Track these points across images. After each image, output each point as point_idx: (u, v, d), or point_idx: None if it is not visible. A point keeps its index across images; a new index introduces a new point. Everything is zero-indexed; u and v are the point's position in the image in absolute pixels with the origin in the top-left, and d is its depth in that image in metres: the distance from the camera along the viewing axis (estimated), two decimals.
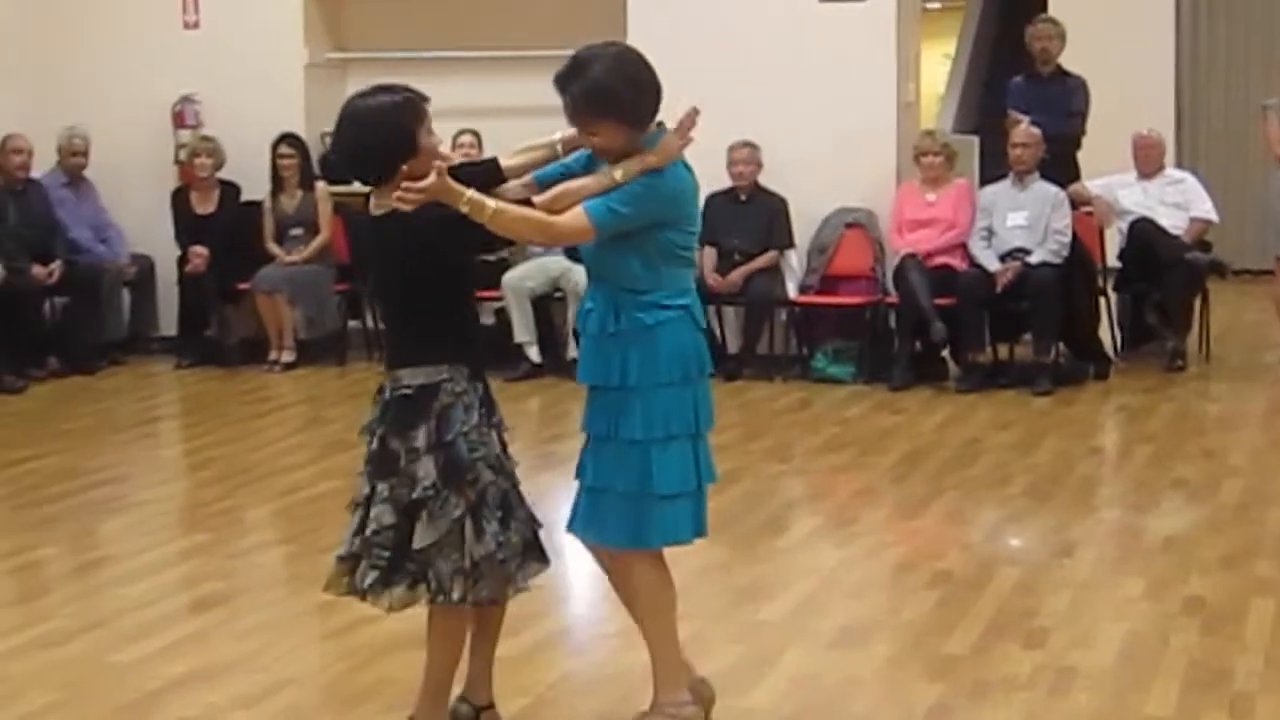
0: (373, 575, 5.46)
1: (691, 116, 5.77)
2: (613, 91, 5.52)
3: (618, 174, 5.52)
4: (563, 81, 5.58)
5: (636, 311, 5.59)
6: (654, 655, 5.76)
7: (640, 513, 5.64)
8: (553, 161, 5.79)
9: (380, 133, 5.52)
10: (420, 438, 5.45)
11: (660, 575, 5.76)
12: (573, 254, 5.75)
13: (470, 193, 5.31)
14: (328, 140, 14.11)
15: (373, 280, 5.73)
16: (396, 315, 5.71)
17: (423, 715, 5.64)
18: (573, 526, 5.80)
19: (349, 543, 5.54)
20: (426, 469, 5.42)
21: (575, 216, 5.46)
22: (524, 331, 12.66)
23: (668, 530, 5.74)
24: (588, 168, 5.68)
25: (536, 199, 5.55)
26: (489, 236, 5.44)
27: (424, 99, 5.63)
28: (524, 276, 12.75)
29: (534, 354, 12.67)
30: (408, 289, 5.54)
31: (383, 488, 5.46)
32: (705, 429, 5.86)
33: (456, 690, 5.74)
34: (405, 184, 5.27)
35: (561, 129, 5.84)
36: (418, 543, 5.40)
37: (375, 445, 5.55)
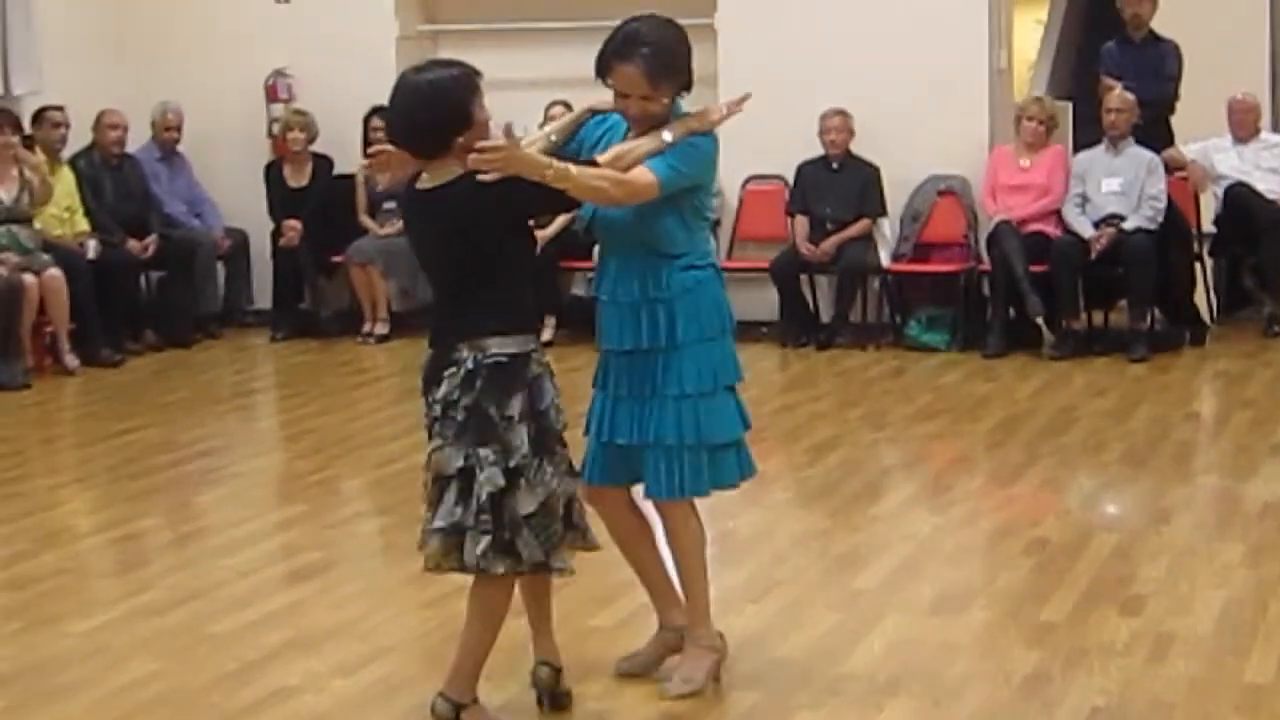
0: (484, 542, 5.46)
1: (744, 99, 6.06)
2: (679, 56, 5.80)
3: (668, 136, 5.72)
4: (626, 49, 5.75)
5: (678, 273, 5.83)
6: (689, 593, 5.99)
7: (691, 463, 5.85)
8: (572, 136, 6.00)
9: (438, 106, 5.51)
10: (516, 406, 5.46)
11: (696, 519, 5.98)
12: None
13: (554, 160, 5.43)
14: None
15: (426, 252, 5.71)
16: (478, 288, 5.63)
17: (455, 692, 5.66)
18: (594, 479, 5.96)
19: (448, 515, 5.52)
20: (521, 437, 5.45)
21: (643, 174, 5.65)
22: None
23: (719, 477, 5.98)
24: (597, 144, 5.88)
25: (600, 158, 5.69)
26: (564, 201, 5.59)
27: (478, 74, 5.62)
28: None
29: None
30: (486, 260, 5.56)
31: (485, 453, 5.45)
32: (740, 379, 6.07)
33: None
34: (484, 152, 5.33)
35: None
36: (523, 509, 5.43)
37: (464, 415, 5.52)
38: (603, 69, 5.86)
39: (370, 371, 12.49)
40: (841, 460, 9.28)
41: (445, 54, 14.35)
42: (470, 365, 5.51)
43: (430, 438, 5.58)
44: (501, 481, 5.44)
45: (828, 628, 6.60)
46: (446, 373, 5.54)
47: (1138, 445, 9.66)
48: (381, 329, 13.48)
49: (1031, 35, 18.93)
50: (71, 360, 12.23)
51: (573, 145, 5.93)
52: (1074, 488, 9.02)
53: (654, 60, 5.73)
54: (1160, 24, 13.26)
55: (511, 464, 5.45)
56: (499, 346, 5.50)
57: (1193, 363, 12.06)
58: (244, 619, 6.90)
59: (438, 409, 5.56)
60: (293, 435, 10.78)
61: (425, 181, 5.59)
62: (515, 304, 5.61)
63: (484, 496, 5.45)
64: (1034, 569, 7.41)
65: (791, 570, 6.74)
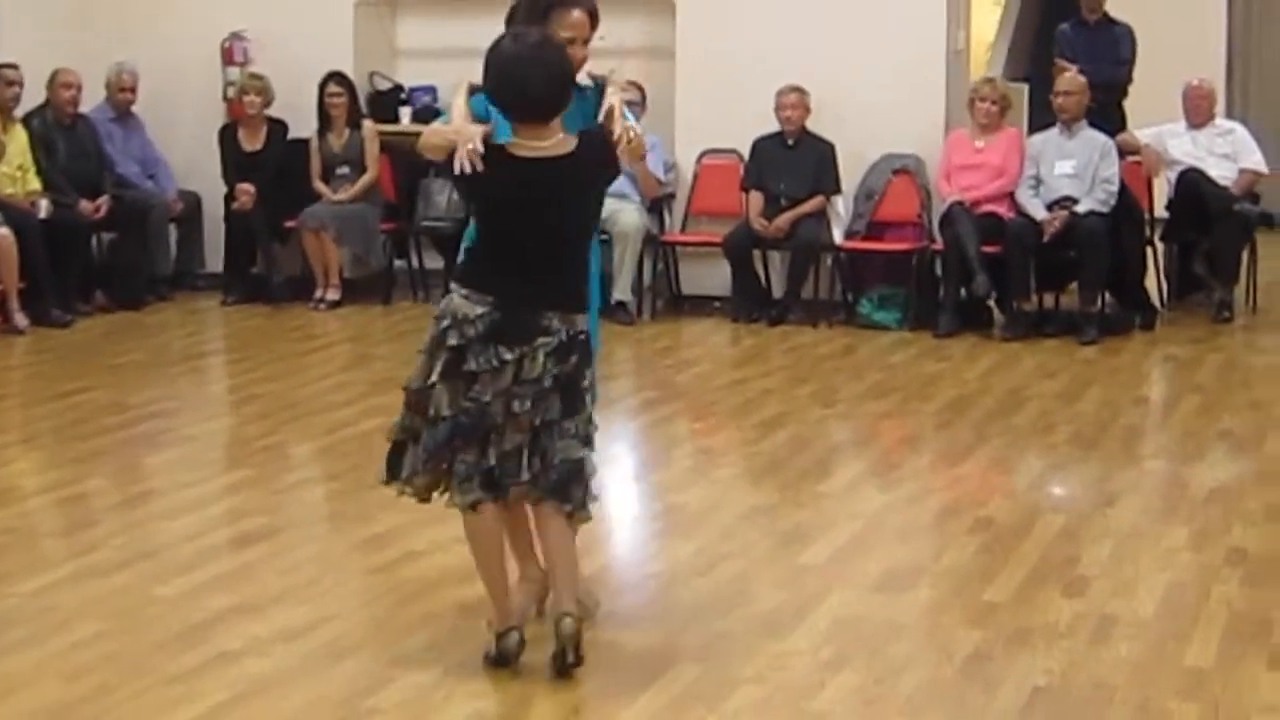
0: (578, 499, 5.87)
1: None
2: None
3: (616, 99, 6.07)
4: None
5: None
6: None
7: None
8: None
9: (562, 75, 5.76)
10: (590, 377, 5.84)
11: None
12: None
13: None
14: (376, 80, 14.16)
15: (533, 217, 5.79)
16: (569, 259, 5.86)
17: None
18: None
19: (526, 469, 5.79)
20: (590, 406, 5.86)
21: None
22: None
23: None
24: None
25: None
26: None
27: None
28: None
29: None
30: (582, 233, 5.88)
31: (569, 425, 5.77)
32: None
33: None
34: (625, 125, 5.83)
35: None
36: (591, 472, 5.87)
37: (551, 382, 5.75)
38: (545, 14, 6.03)
39: (321, 338, 12.48)
40: (790, 436, 9.31)
41: (404, 21, 14.47)
42: (564, 337, 5.73)
43: (481, 389, 5.73)
44: (579, 454, 5.77)
45: (773, 603, 6.62)
46: (540, 341, 5.72)
47: (1086, 428, 9.70)
48: (333, 295, 13.47)
49: (990, 16, 18.94)
50: (21, 320, 12.20)
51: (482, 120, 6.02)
52: (1022, 469, 9.06)
53: (593, 5, 6.08)
54: (1116, 7, 13.31)
55: (587, 433, 5.82)
56: (584, 323, 5.80)
57: (1143, 347, 12.11)
58: (190, 581, 6.89)
59: (511, 370, 5.72)
60: (242, 400, 10.77)
61: (533, 150, 5.73)
62: (585, 280, 5.91)
63: (557, 460, 5.76)
64: (979, 549, 7.44)
65: (738, 545, 6.77)
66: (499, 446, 5.80)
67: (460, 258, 6.17)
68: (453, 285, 5.89)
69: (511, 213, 5.81)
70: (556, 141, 5.76)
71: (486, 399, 5.75)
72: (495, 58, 5.79)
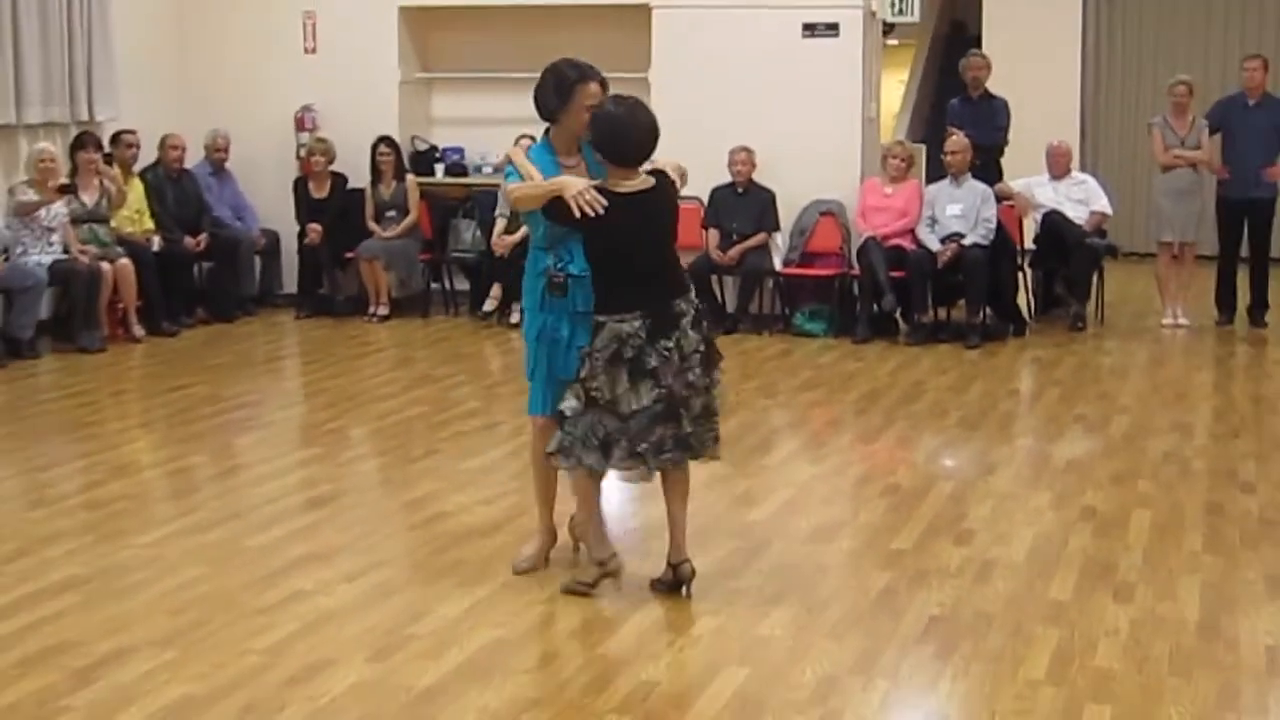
0: (712, 438, 6.07)
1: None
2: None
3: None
4: (593, 71, 6.12)
5: None
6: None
7: None
8: None
9: (655, 130, 5.96)
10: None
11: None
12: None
13: None
14: (416, 142, 14.14)
15: (651, 237, 5.97)
16: (669, 259, 6.08)
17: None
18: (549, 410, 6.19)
19: (692, 423, 5.95)
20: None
21: None
22: None
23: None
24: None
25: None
26: None
27: None
28: None
29: None
30: (671, 240, 6.10)
31: (717, 374, 6.06)
32: None
33: None
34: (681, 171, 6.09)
35: None
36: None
37: (705, 347, 5.99)
38: (571, 89, 6.03)
39: (374, 344, 12.43)
40: (740, 421, 9.29)
41: (438, 96, 14.45)
42: (693, 311, 5.94)
43: (665, 376, 5.82)
44: (717, 402, 6.07)
45: (727, 551, 6.63)
46: (684, 321, 5.90)
47: (971, 414, 9.69)
48: (383, 311, 13.42)
49: (896, 91, 19.01)
50: (138, 331, 12.15)
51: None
52: (921, 445, 9.05)
53: (603, 77, 6.11)
54: (995, 85, 13.30)
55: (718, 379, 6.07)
56: (694, 296, 6.05)
57: (1015, 351, 12.10)
58: (271, 536, 6.90)
59: (679, 354, 5.86)
60: (312, 393, 10.74)
61: (629, 187, 5.89)
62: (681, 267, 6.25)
63: (715, 405, 6.05)
64: (888, 508, 7.45)
65: (700, 505, 6.76)
66: (690, 413, 5.93)
67: (595, 289, 5.98)
68: (599, 318, 5.86)
69: (626, 237, 5.83)
70: (642, 179, 5.92)
71: (669, 382, 5.83)
72: (607, 119, 5.89)
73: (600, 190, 5.79)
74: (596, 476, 6.03)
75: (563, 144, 6.13)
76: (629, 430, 5.84)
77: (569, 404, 5.89)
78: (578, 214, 5.74)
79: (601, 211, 5.73)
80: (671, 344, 5.84)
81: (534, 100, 6.16)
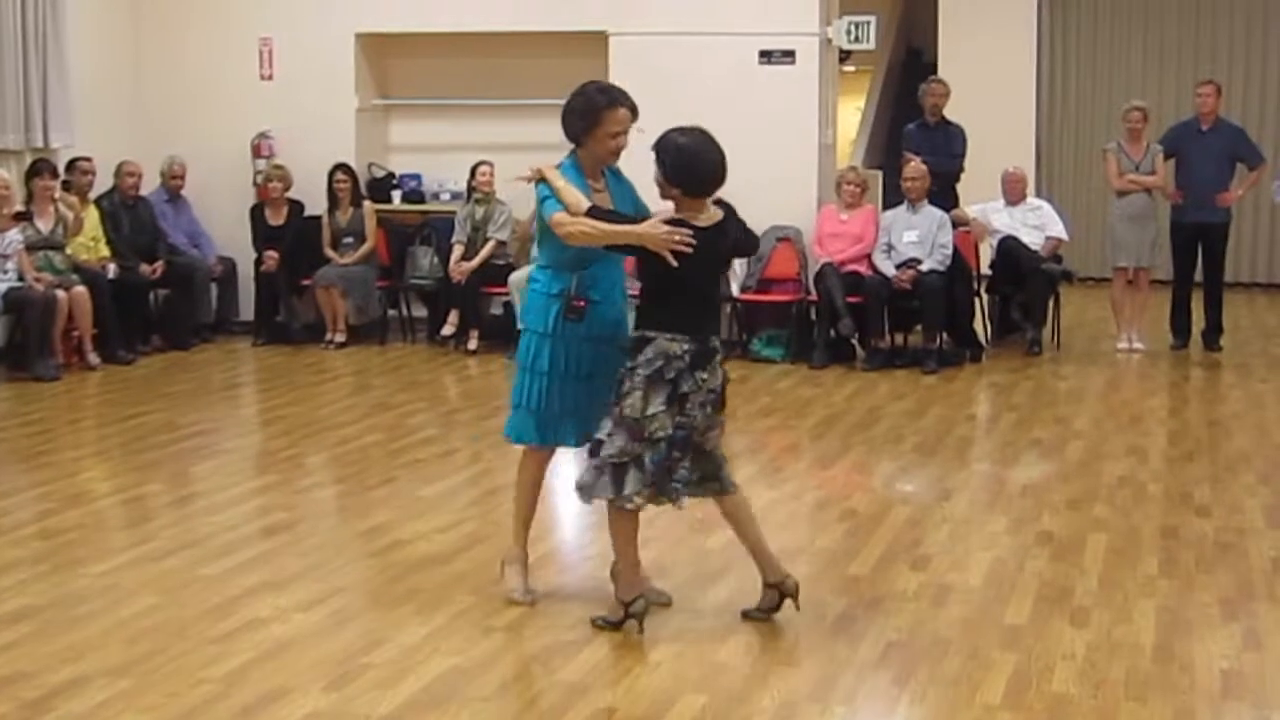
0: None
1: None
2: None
3: None
4: (623, 96, 6.13)
5: None
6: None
7: None
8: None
9: (725, 161, 5.98)
10: None
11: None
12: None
13: None
14: (373, 169, 14.12)
15: (712, 269, 6.06)
16: (715, 297, 6.21)
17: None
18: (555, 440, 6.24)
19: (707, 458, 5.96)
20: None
21: None
22: None
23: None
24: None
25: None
26: None
27: None
28: (525, 276, 12.74)
29: None
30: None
31: (722, 419, 6.00)
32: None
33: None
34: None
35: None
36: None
37: (722, 389, 5.94)
38: (599, 114, 5.99)
39: (331, 371, 12.40)
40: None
41: (395, 123, 14.43)
42: (721, 352, 5.94)
43: (691, 406, 5.81)
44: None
45: (684, 578, 6.62)
46: (717, 358, 5.91)
47: (928, 439, 9.72)
48: (340, 338, 13.40)
49: (852, 118, 19.09)
50: (94, 358, 12.10)
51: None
52: (878, 470, 9.07)
53: (633, 103, 6.10)
54: (952, 112, 13.37)
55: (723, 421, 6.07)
56: None
57: (972, 375, 12.14)
58: (227, 564, 6.86)
59: (706, 387, 5.84)
60: (268, 420, 10.70)
61: (705, 220, 5.87)
62: None
63: (718, 450, 6.02)
64: (845, 533, 7.45)
65: (657, 532, 6.76)
66: (703, 448, 5.91)
67: (641, 304, 5.96)
68: (650, 332, 5.81)
69: (697, 270, 5.80)
70: (711, 213, 5.91)
71: (694, 413, 5.81)
72: (682, 151, 5.88)
73: (681, 223, 5.77)
74: (636, 513, 5.93)
75: (589, 167, 6.08)
76: (647, 455, 5.79)
77: (604, 428, 5.86)
78: (673, 262, 5.70)
79: (691, 251, 5.72)
80: (706, 376, 5.84)
81: (561, 122, 6.09)
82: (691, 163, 5.87)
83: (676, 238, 5.70)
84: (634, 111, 6.07)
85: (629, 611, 5.94)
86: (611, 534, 5.97)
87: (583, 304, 6.00)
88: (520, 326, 6.26)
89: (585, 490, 5.93)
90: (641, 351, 5.79)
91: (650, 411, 5.75)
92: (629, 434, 5.78)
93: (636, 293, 5.95)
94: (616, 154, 6.10)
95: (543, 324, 6.05)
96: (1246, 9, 17.56)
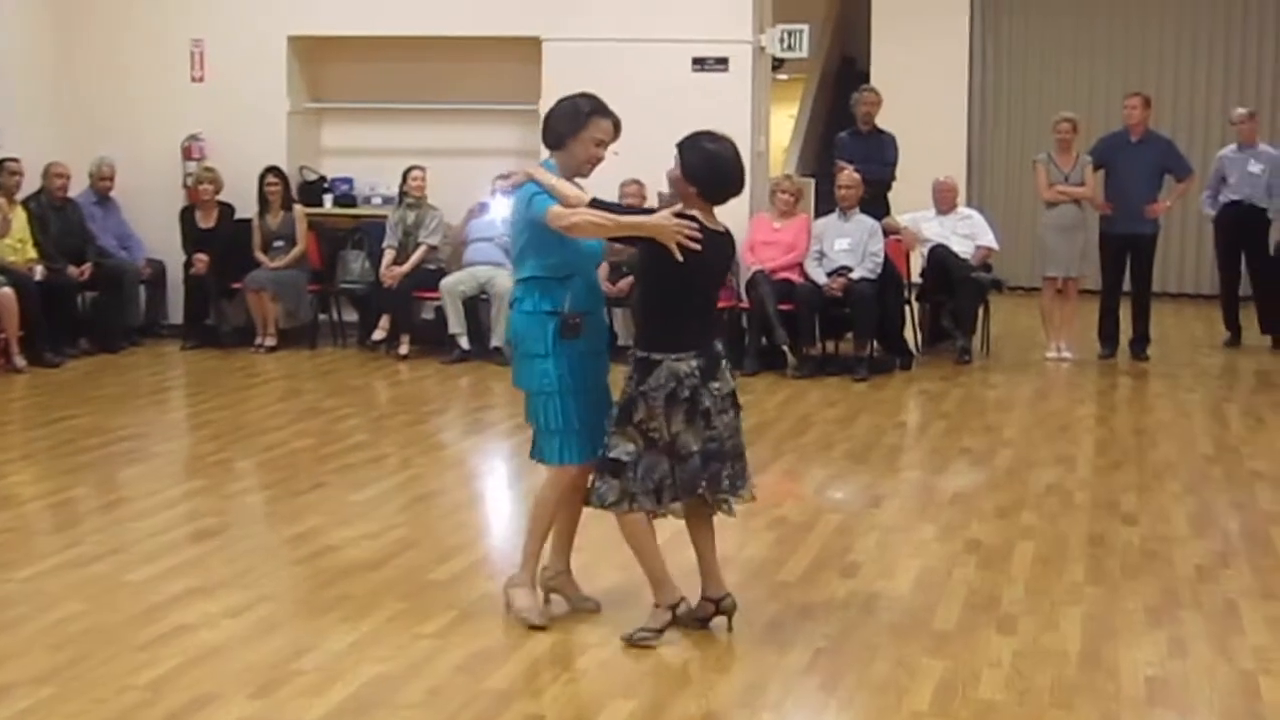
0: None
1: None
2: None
3: None
4: (607, 108, 6.12)
5: None
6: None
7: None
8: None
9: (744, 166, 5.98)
10: None
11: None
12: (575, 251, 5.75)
13: None
14: (304, 172, 14.07)
15: (718, 276, 5.99)
16: (715, 305, 6.16)
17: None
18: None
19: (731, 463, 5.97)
20: None
21: None
22: (457, 325, 12.72)
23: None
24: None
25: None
26: None
27: None
28: (457, 281, 12.77)
29: (464, 343, 12.71)
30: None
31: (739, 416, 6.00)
32: None
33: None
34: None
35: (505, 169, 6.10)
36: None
37: (733, 389, 5.96)
38: (586, 119, 6.01)
39: (261, 376, 12.35)
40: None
41: (327, 126, 14.38)
42: (726, 355, 5.95)
43: (714, 418, 5.84)
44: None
45: (613, 583, 6.62)
46: (724, 363, 5.92)
47: (858, 446, 9.76)
48: (271, 342, 13.34)
49: (785, 125, 19.14)
50: (20, 361, 12.00)
51: None
52: (808, 478, 9.09)
53: (618, 118, 6.13)
54: (883, 120, 13.43)
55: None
56: None
57: (902, 383, 12.20)
58: (154, 569, 6.82)
59: (722, 394, 5.86)
60: (197, 424, 10.64)
61: (715, 225, 5.85)
62: None
63: (743, 445, 6.06)
64: (775, 541, 7.47)
65: (587, 540, 6.76)
66: (738, 451, 5.97)
67: (643, 323, 5.98)
68: (655, 356, 5.79)
69: (704, 274, 5.81)
70: (717, 221, 5.89)
71: (718, 424, 5.82)
72: (712, 155, 5.90)
73: (693, 220, 5.76)
74: (651, 520, 5.96)
75: (566, 173, 6.04)
76: (685, 471, 5.81)
77: (624, 449, 5.82)
78: (679, 256, 5.68)
79: (700, 247, 5.70)
80: (719, 385, 5.84)
81: (544, 125, 6.08)
82: (721, 167, 5.91)
83: (688, 231, 5.69)
84: (617, 128, 6.07)
85: (676, 613, 5.98)
86: (630, 539, 5.99)
87: (578, 320, 5.98)
88: (507, 347, 6.20)
89: (615, 503, 5.90)
90: (651, 374, 5.78)
91: (675, 429, 5.78)
92: (666, 455, 5.81)
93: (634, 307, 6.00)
94: (594, 165, 6.07)
95: (542, 345, 5.97)
96: (1178, 19, 17.74)
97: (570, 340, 5.96)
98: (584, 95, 6.12)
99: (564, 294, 5.95)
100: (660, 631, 5.95)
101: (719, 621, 6.11)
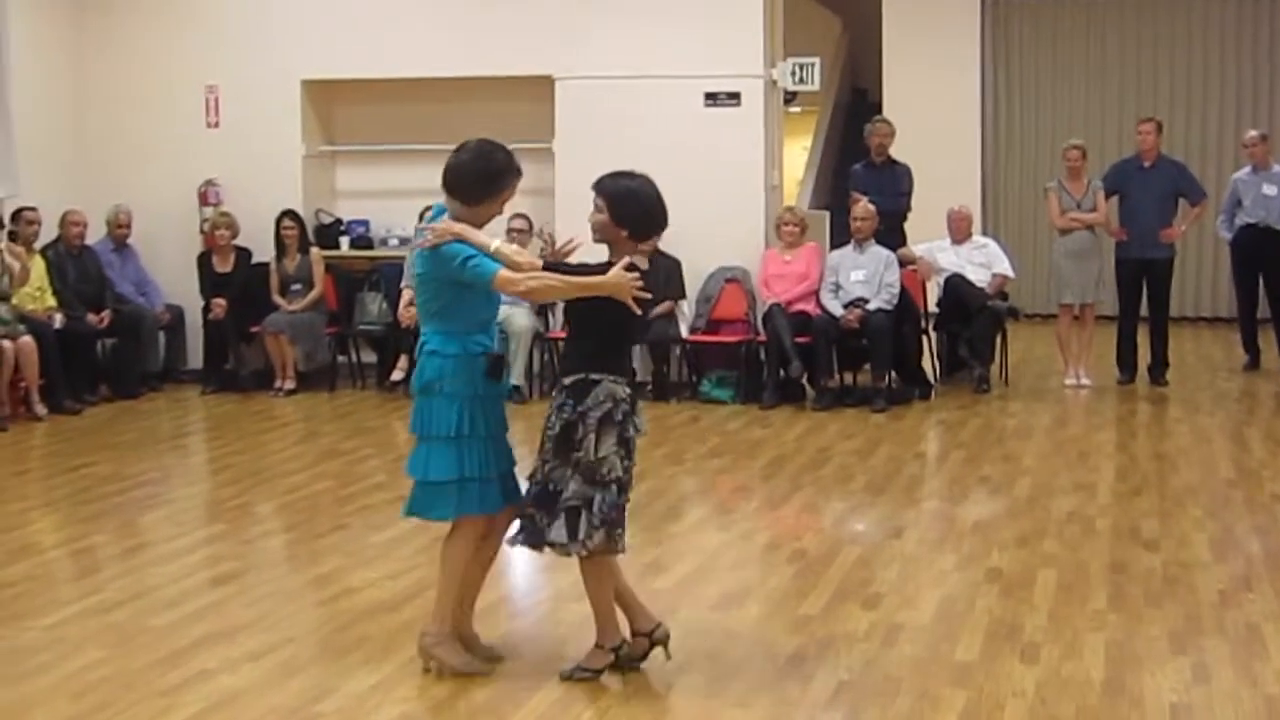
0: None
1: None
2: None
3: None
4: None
5: None
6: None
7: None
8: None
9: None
10: None
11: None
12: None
13: None
14: (320, 216, 14.11)
15: (635, 317, 5.75)
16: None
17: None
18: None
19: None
20: None
21: None
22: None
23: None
24: None
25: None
26: None
27: None
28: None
29: None
30: None
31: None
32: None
33: None
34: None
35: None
36: None
37: (644, 432, 5.91)
38: (498, 182, 5.94)
39: (280, 419, 12.37)
40: (648, 488, 9.27)
41: (342, 169, 14.41)
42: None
43: (634, 450, 5.85)
44: None
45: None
46: (638, 403, 5.87)
47: (877, 477, 9.74)
48: (289, 385, 13.37)
49: (799, 158, 19.16)
50: (40, 409, 12.04)
51: None
52: (828, 510, 9.07)
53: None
54: (897, 151, 13.43)
55: None
56: None
57: (920, 413, 12.18)
58: (175, 615, 6.82)
59: (639, 432, 5.84)
60: (217, 469, 10.65)
61: (640, 262, 5.77)
62: None
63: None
64: (796, 573, 7.45)
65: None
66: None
67: (580, 348, 5.83)
68: (593, 376, 5.70)
69: (632, 314, 5.72)
70: (638, 256, 5.83)
71: (633, 459, 5.80)
72: (637, 194, 5.84)
73: (635, 267, 5.72)
74: (606, 559, 5.86)
75: (469, 223, 5.84)
76: (598, 497, 5.70)
77: (572, 490, 5.72)
78: (638, 310, 5.65)
79: (650, 295, 5.70)
80: (639, 420, 5.80)
81: (456, 178, 5.94)
82: (648, 206, 5.84)
83: (639, 284, 5.65)
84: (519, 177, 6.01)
85: (624, 656, 5.91)
86: (586, 582, 5.88)
87: (502, 359, 5.94)
88: (422, 393, 5.95)
89: (534, 537, 5.83)
90: (590, 394, 5.69)
91: (602, 454, 5.67)
92: (583, 477, 5.70)
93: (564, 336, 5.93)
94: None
95: (469, 387, 5.83)
96: (1187, 43, 17.75)
97: (495, 381, 5.89)
98: (499, 149, 5.97)
99: (487, 336, 5.91)
100: (599, 673, 5.88)
101: (739, 654, 6.09)
